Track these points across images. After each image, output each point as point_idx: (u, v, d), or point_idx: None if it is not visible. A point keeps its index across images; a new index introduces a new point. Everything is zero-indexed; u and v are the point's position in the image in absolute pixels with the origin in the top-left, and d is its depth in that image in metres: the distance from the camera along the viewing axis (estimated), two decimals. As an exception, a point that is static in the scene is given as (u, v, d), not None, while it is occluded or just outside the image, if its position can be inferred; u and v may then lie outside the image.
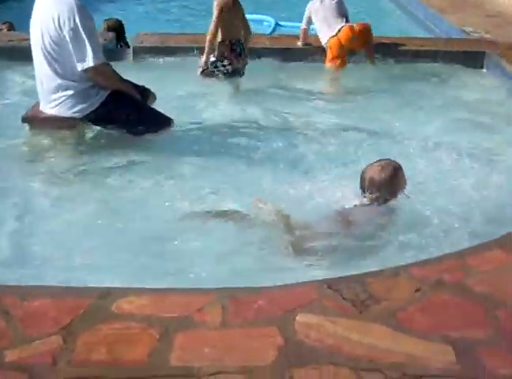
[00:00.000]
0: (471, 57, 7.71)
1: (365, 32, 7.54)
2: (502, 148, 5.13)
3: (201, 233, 3.86)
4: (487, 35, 8.73)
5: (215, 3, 6.61)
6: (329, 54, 7.54)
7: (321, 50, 7.62)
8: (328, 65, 7.56)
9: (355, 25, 7.52)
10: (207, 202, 4.29)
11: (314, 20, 7.65)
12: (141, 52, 7.50)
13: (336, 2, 7.63)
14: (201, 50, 6.89)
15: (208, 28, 6.66)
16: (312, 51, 7.72)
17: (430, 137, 5.39)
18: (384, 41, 8.05)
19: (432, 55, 7.72)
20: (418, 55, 7.72)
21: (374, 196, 4.01)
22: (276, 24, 10.89)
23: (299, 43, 7.83)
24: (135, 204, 4.27)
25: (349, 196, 4.13)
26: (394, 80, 7.19)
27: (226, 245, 3.72)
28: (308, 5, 7.71)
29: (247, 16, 11.20)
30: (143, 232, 3.87)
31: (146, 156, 5.01)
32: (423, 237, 3.74)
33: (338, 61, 7.52)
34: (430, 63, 7.62)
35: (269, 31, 10.40)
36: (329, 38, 7.49)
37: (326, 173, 4.72)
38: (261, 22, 11.13)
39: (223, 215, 4.04)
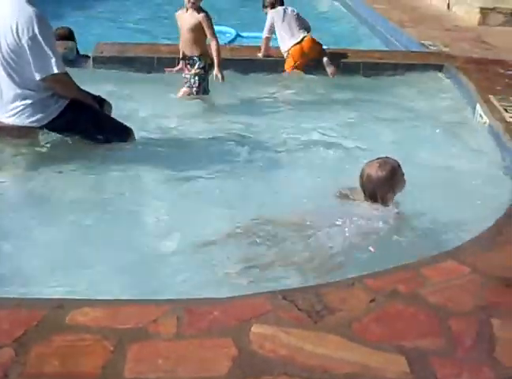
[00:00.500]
0: (430, 70, 7.82)
1: (319, 45, 7.80)
2: (456, 160, 5.21)
3: (156, 244, 3.84)
4: (446, 49, 8.85)
5: (204, 17, 6.51)
6: (290, 61, 7.64)
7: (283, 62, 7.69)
8: (287, 70, 7.67)
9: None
10: (165, 212, 4.29)
11: (276, 27, 7.71)
12: (101, 62, 7.45)
13: (297, 14, 7.78)
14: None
15: (215, 42, 6.58)
16: (274, 62, 7.74)
17: (385, 147, 5.46)
18: (345, 53, 8.13)
19: (392, 68, 7.80)
20: (377, 68, 7.80)
21: (371, 194, 4.03)
22: (237, 35, 10.81)
23: (260, 55, 7.85)
24: (92, 215, 4.23)
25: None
26: (354, 91, 7.23)
27: (181, 256, 3.71)
28: (270, 14, 7.77)
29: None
30: (99, 243, 3.84)
31: (104, 166, 4.97)
32: (378, 248, 3.77)
33: (297, 68, 7.65)
34: (390, 76, 7.69)
35: (227, 40, 10.28)
36: (292, 45, 7.61)
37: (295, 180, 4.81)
38: (224, 33, 11.10)
39: (178, 226, 4.05)
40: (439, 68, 7.82)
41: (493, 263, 3.32)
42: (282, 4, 7.92)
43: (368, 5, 12.89)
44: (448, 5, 12.63)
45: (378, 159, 4.07)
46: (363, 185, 4.06)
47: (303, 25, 7.78)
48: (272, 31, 7.79)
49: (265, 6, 7.93)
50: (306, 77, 7.59)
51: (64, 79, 5.02)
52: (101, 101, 5.47)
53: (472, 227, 3.86)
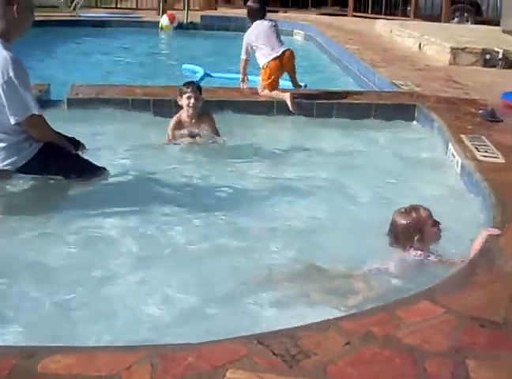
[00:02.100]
0: (402, 110, 7.91)
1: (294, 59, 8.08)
2: (429, 200, 5.23)
3: (129, 289, 3.82)
4: (418, 88, 8.97)
5: (210, 122, 6.67)
6: (265, 74, 7.81)
7: (259, 104, 7.76)
8: (265, 90, 7.83)
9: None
10: (138, 256, 4.27)
11: (255, 44, 7.86)
12: (76, 104, 7.45)
13: (275, 26, 7.98)
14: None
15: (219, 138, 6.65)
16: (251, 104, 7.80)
17: (358, 188, 5.56)
18: (318, 94, 8.22)
19: (365, 108, 7.87)
20: (352, 108, 7.87)
21: (395, 239, 4.09)
22: (206, 74, 10.76)
23: (242, 83, 8.11)
24: (64, 258, 4.20)
25: None
26: (328, 132, 7.27)
27: (154, 301, 3.69)
28: (246, 35, 7.97)
29: (185, 65, 11.33)
30: (71, 289, 3.80)
31: (78, 209, 4.94)
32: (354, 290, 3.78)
33: (273, 84, 7.85)
34: (363, 116, 7.75)
35: (196, 80, 10.25)
36: (272, 59, 7.77)
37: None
38: (193, 72, 11.15)
39: (155, 271, 4.04)
40: (411, 107, 7.89)
41: (467, 303, 3.33)
42: (263, 17, 8.02)
43: (341, 46, 13.08)
44: (419, 45, 12.85)
45: (408, 206, 4.14)
46: (389, 230, 4.12)
47: (280, 39, 7.97)
48: (249, 52, 7.95)
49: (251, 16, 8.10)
50: (278, 118, 7.61)
51: (39, 122, 5.03)
52: (76, 143, 5.48)
53: (446, 267, 3.88)
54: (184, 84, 6.70)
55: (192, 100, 6.46)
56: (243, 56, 8.03)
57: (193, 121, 6.57)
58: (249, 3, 8.18)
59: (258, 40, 7.84)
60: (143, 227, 4.74)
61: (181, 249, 4.41)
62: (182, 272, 4.04)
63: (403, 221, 4.06)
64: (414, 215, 4.07)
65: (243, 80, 8.25)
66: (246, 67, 8.19)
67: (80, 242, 4.46)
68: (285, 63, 7.90)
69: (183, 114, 6.59)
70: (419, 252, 4.05)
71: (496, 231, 4.11)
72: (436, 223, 4.11)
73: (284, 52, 7.86)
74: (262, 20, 7.94)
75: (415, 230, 4.05)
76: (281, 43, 7.94)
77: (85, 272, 4.02)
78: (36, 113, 4.92)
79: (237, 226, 4.81)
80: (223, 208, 5.11)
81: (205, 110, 6.69)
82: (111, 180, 5.40)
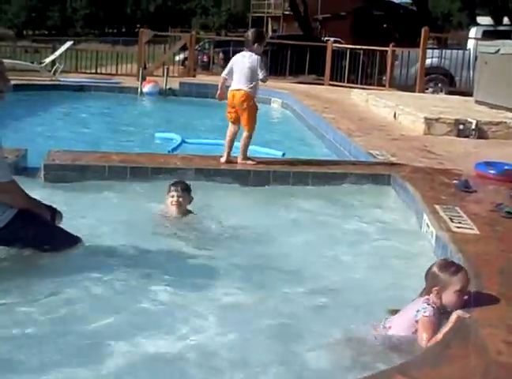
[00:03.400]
0: (377, 179, 7.97)
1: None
2: (403, 273, 5.25)
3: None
4: (393, 158, 9.06)
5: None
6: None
7: (235, 172, 7.81)
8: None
9: None
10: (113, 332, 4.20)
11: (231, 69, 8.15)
12: (53, 170, 7.43)
13: (249, 68, 7.94)
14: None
15: None
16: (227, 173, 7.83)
17: (329, 261, 5.54)
18: (295, 162, 8.30)
19: (340, 177, 7.92)
20: (328, 177, 7.93)
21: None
22: (182, 141, 10.81)
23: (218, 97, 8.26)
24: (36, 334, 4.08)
25: None
26: (303, 203, 7.26)
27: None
28: (233, 59, 8.19)
29: (158, 134, 11.52)
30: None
31: (52, 281, 4.82)
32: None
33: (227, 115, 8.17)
34: (338, 185, 7.79)
35: (171, 147, 10.29)
36: (230, 90, 8.04)
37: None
38: (170, 139, 11.24)
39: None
40: (386, 177, 7.96)
41: (441, 378, 3.31)
42: (250, 46, 8.03)
43: (317, 114, 13.27)
44: (395, 114, 13.08)
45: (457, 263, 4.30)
46: None
47: (248, 79, 7.92)
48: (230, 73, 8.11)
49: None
50: (255, 187, 7.59)
51: (12, 188, 5.00)
52: (53, 211, 5.41)
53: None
54: (172, 183, 6.53)
55: (175, 199, 6.33)
56: (224, 75, 8.22)
57: (178, 218, 6.37)
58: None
59: (236, 69, 8.07)
60: (116, 296, 4.67)
61: (154, 318, 4.36)
62: (158, 344, 4.00)
63: (437, 269, 4.11)
64: (451, 269, 4.09)
65: (220, 96, 8.28)
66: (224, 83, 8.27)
67: (49, 311, 4.37)
68: (235, 100, 7.96)
69: (170, 210, 6.42)
70: (427, 305, 4.00)
71: (466, 315, 4.03)
72: (463, 295, 4.08)
73: (237, 90, 7.95)
74: (252, 54, 7.96)
75: (439, 282, 4.05)
76: (246, 82, 7.91)
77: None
78: (7, 179, 4.89)
79: (212, 298, 4.77)
80: (197, 282, 5.02)
81: (190, 211, 6.47)
82: (85, 248, 5.32)
